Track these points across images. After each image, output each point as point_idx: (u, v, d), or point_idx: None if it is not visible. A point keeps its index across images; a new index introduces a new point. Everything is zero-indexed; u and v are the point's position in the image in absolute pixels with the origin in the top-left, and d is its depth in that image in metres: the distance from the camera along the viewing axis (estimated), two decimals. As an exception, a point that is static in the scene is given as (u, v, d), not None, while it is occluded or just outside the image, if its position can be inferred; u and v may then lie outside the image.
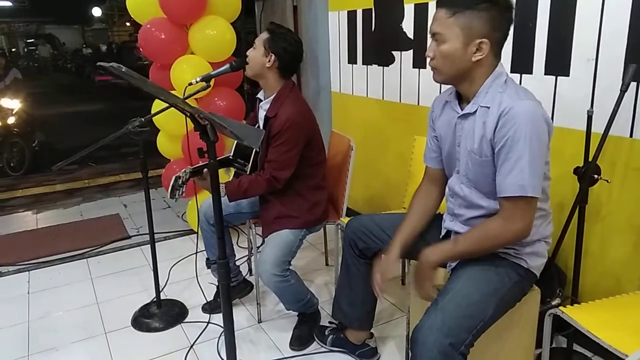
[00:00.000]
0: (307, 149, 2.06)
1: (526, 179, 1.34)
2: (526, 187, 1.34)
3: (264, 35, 2.05)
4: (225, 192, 1.95)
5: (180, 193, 1.83)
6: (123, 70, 1.16)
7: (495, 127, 1.37)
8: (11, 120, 5.54)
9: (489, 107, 1.40)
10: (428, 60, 1.48)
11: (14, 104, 5.66)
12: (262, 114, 2.12)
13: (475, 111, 1.44)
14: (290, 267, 2.06)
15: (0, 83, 5.81)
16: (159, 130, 3.13)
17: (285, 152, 1.99)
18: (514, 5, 1.42)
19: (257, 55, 2.04)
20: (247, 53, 2.09)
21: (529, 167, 1.33)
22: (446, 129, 1.58)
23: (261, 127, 2.11)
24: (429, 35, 1.47)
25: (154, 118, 2.50)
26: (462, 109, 1.50)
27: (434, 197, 1.72)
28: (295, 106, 2.03)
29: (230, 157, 2.25)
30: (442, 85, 2.37)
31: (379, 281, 1.64)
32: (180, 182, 1.83)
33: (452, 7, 1.38)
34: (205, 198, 2.37)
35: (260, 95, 2.19)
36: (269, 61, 2.03)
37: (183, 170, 1.93)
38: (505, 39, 1.43)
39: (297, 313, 2.23)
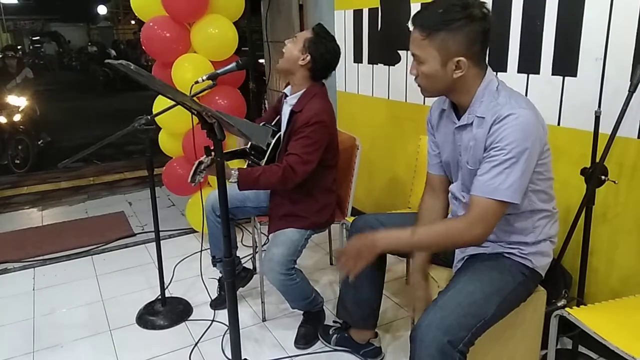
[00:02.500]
0: (325, 150, 2.03)
1: (501, 183, 1.32)
2: (498, 191, 1.33)
3: (307, 34, 2.04)
4: (236, 177, 1.88)
5: (201, 178, 1.83)
6: (132, 67, 1.16)
7: (487, 134, 1.37)
8: (17, 117, 5.58)
9: (484, 118, 1.40)
10: (415, 78, 1.47)
11: (21, 101, 5.70)
12: (287, 109, 2.10)
13: (472, 122, 1.44)
14: (296, 266, 2.06)
15: (12, 81, 5.87)
16: (160, 128, 3.14)
17: (307, 145, 1.95)
18: (490, 12, 1.38)
19: (294, 49, 2.03)
20: (286, 42, 2.07)
21: (506, 172, 1.32)
22: (445, 138, 1.57)
23: (285, 122, 2.10)
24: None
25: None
26: (459, 119, 1.49)
27: (439, 211, 1.68)
28: (322, 104, 2.02)
29: (247, 150, 2.24)
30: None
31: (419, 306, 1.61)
32: (202, 167, 1.83)
33: (425, 28, 1.36)
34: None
35: (286, 90, 2.17)
36: (303, 60, 2.01)
37: (205, 156, 1.92)
38: (486, 47, 1.40)
39: (302, 312, 2.23)
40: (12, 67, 5.97)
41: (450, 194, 1.63)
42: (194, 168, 1.81)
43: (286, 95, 2.15)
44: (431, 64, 1.38)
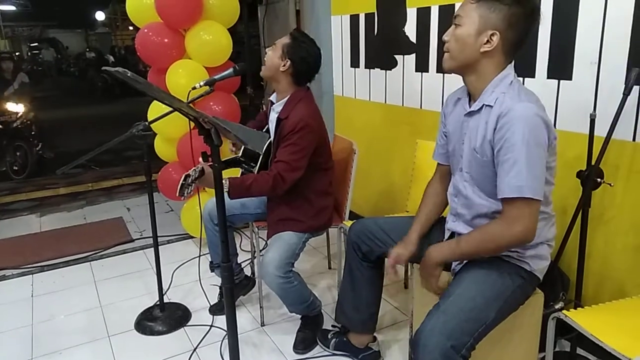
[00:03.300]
0: (315, 154, 2.04)
1: (524, 180, 1.34)
2: (524, 188, 1.35)
3: (285, 40, 2.05)
4: (227, 187, 1.88)
5: (189, 191, 1.84)
6: (129, 75, 1.16)
7: (495, 128, 1.39)
8: (15, 124, 5.58)
9: (491, 107, 1.42)
10: (445, 45, 1.50)
11: (19, 107, 5.70)
12: (273, 117, 2.12)
13: (480, 109, 1.46)
14: (293, 269, 2.06)
15: (10, 87, 5.87)
16: (156, 134, 3.14)
17: (295, 152, 1.97)
18: (539, 13, 1.43)
19: (274, 57, 2.04)
20: (267, 50, 2.09)
21: (526, 169, 1.34)
22: (455, 125, 1.61)
23: (272, 129, 2.11)
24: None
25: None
26: (470, 107, 1.52)
27: (445, 189, 1.73)
28: (308, 109, 2.03)
29: (238, 158, 2.25)
30: (445, 88, 2.39)
31: (396, 262, 1.66)
32: (189, 181, 1.84)
33: None
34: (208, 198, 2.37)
35: (272, 98, 2.18)
36: (284, 66, 2.02)
37: (193, 169, 1.93)
38: (521, 41, 1.43)
39: (300, 316, 2.23)
40: (8, 72, 5.97)
41: (452, 190, 1.65)
42: (181, 182, 1.81)
43: (272, 103, 2.17)
44: (467, 27, 1.42)
